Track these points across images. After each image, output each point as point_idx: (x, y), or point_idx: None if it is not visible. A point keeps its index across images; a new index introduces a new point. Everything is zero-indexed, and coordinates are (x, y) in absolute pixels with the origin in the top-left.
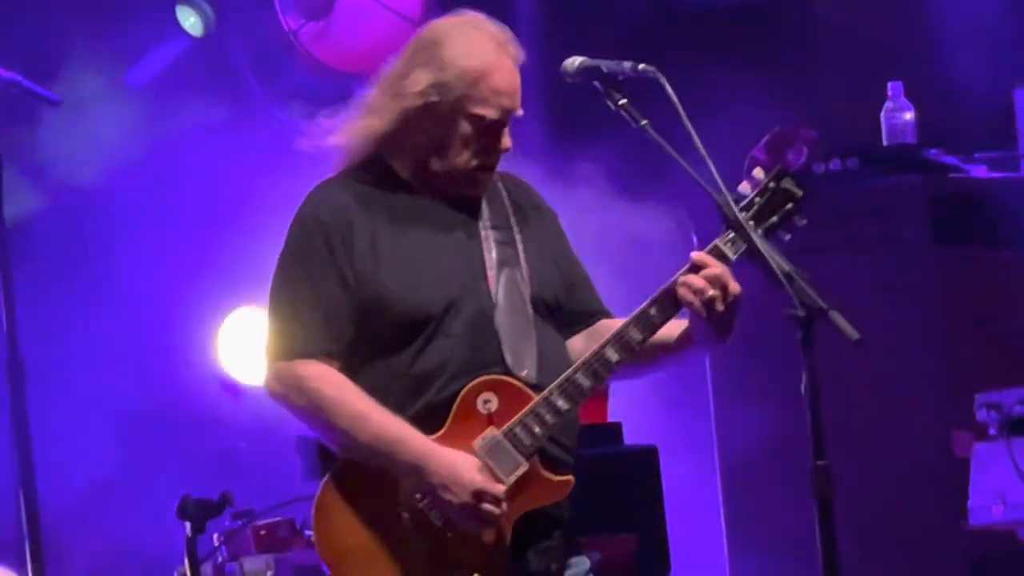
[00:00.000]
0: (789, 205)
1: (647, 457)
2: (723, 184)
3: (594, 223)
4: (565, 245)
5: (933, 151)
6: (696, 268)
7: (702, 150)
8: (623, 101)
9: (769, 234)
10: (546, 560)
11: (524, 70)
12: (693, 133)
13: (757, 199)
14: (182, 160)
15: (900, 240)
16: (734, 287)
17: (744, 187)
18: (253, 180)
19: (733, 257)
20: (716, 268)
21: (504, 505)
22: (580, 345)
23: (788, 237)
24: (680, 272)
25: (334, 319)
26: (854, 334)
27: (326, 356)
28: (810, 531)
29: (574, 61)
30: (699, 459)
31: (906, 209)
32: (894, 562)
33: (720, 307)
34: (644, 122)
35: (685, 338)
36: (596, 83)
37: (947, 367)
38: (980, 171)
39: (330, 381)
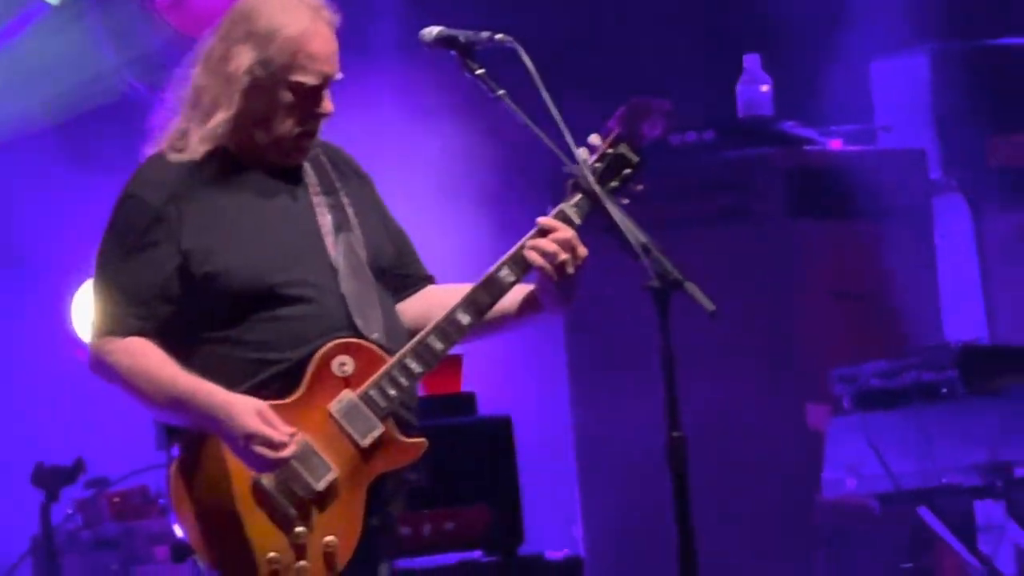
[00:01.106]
0: (627, 171)
1: (501, 427)
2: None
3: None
4: (386, 210)
5: (789, 124)
6: (544, 232)
7: (558, 119)
8: (480, 71)
9: (608, 203)
10: (393, 523)
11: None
12: (549, 102)
13: (597, 164)
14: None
15: (755, 212)
16: (582, 250)
17: (582, 153)
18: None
19: (578, 221)
20: (564, 232)
21: (286, 450)
22: (409, 310)
23: (627, 202)
24: (527, 236)
25: (146, 297)
26: (709, 306)
27: (137, 334)
28: (666, 502)
29: (432, 31)
30: (554, 429)
31: (762, 181)
32: (749, 534)
33: (570, 270)
34: (501, 92)
35: (530, 302)
36: (453, 52)
37: (802, 340)
38: (836, 144)
39: (126, 350)
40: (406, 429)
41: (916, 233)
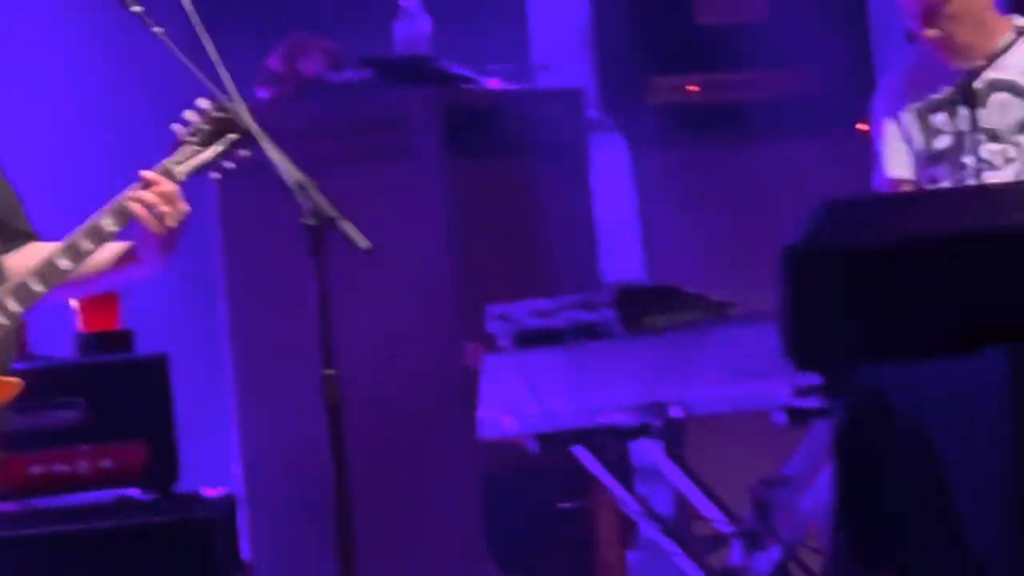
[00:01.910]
0: (232, 135)
1: (157, 365)
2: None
3: None
4: None
5: (447, 62)
6: (147, 185)
7: (217, 60)
8: (137, 8)
9: (213, 166)
10: None
11: None
12: (208, 43)
13: (204, 126)
14: None
15: (412, 151)
16: (183, 206)
17: (191, 115)
18: None
19: (182, 177)
20: (166, 185)
21: None
22: (13, 265)
23: (232, 166)
24: (130, 188)
25: None
26: (365, 243)
27: None
28: (322, 440)
29: None
30: (213, 366)
31: (419, 120)
32: (407, 472)
33: (171, 223)
34: (159, 29)
35: (130, 255)
36: None
37: (459, 278)
38: (493, 83)
39: None
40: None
41: (573, 172)
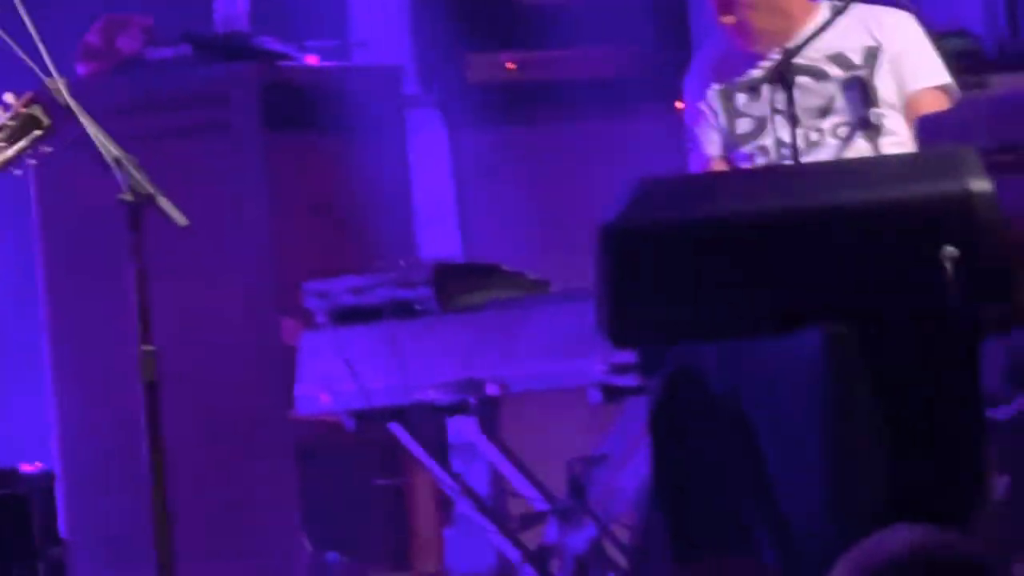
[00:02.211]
0: (37, 132)
1: None
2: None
3: None
4: None
5: (266, 39)
6: None
7: (36, 36)
8: None
9: (16, 162)
10: None
11: None
12: (26, 17)
13: (10, 122)
14: None
15: (231, 127)
16: None
17: None
18: None
19: None
20: None
21: None
22: None
23: (34, 163)
24: None
25: None
26: (182, 220)
27: None
28: (139, 416)
29: None
30: (30, 342)
31: (237, 96)
32: (224, 448)
33: None
34: None
35: None
36: None
37: (277, 254)
38: (312, 59)
39: None
40: None
41: (391, 149)
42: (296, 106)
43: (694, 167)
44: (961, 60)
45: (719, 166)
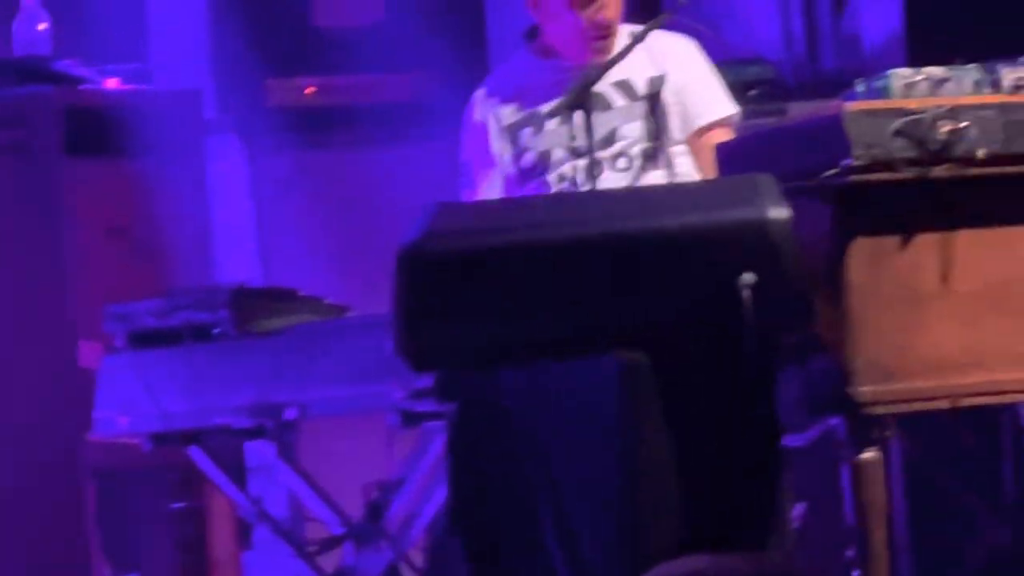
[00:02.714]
0: None
1: None
2: None
3: None
4: None
5: (66, 62)
6: None
7: None
8: None
9: None
10: None
11: None
12: None
13: None
14: None
15: (31, 150)
16: None
17: None
18: None
19: None
20: None
21: None
22: None
23: None
24: None
25: None
26: None
27: None
28: None
29: None
30: None
31: (36, 120)
32: (22, 473)
33: None
34: None
35: None
36: None
37: (76, 277)
38: (112, 83)
39: None
40: None
41: (190, 173)
42: (96, 129)
43: (469, 197)
44: (760, 87)
45: (493, 195)
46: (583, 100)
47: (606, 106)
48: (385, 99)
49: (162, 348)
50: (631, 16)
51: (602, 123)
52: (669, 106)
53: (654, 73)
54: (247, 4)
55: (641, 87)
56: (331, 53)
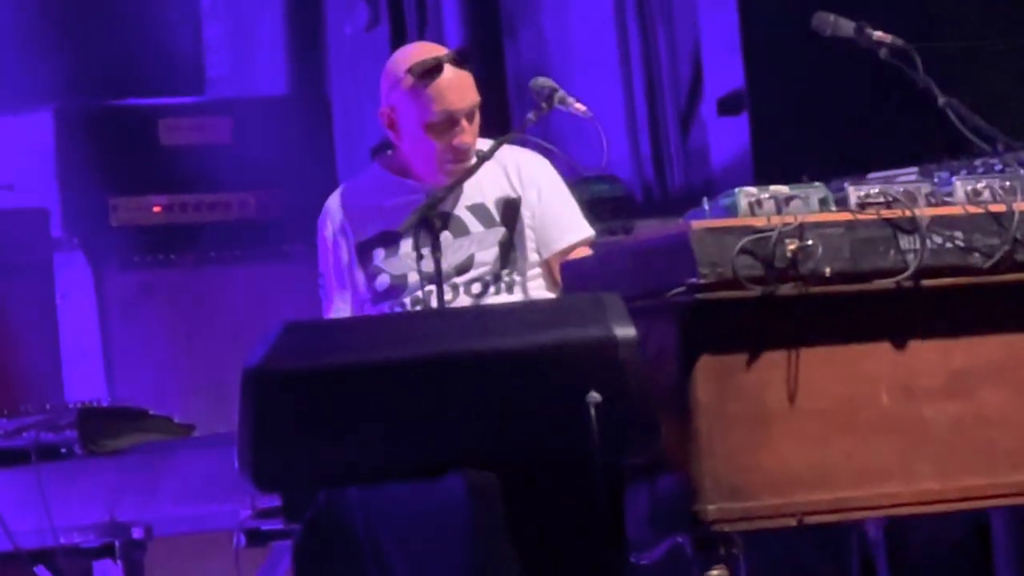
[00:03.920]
0: None
1: None
2: None
3: None
4: None
5: None
6: None
7: None
8: None
9: None
10: None
11: None
12: None
13: None
14: None
15: None
16: None
17: None
18: None
19: None
20: None
21: None
22: None
23: None
24: None
25: None
26: None
27: None
28: None
29: None
30: None
31: None
32: None
33: None
34: None
35: None
36: None
37: None
38: None
39: None
40: None
41: (37, 292)
42: None
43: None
44: (609, 204)
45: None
46: (429, 219)
47: (463, 231)
48: (233, 216)
49: (10, 468)
50: (481, 131)
51: (458, 248)
52: (525, 228)
53: (510, 194)
54: (95, 123)
55: (496, 212)
56: (179, 171)
